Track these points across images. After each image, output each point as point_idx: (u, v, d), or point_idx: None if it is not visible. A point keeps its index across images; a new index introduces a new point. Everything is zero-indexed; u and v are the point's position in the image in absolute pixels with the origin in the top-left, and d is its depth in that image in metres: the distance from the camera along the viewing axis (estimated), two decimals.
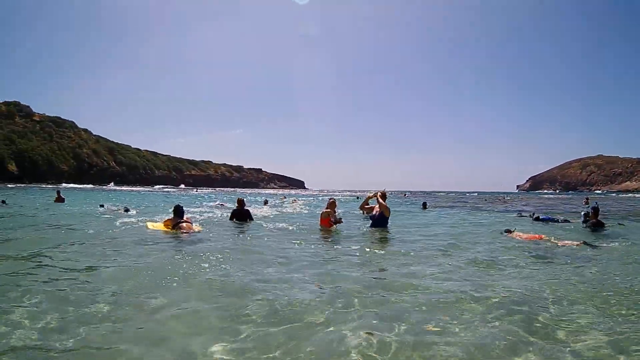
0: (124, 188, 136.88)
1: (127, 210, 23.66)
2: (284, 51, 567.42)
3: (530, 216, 21.14)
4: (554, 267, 8.71)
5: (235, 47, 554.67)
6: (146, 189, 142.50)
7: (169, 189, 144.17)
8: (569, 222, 18.21)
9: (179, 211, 14.44)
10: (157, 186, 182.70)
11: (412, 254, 10.04)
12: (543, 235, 12.68)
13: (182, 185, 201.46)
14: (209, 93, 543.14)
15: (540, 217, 19.79)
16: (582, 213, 16.35)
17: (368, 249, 10.92)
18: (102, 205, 26.80)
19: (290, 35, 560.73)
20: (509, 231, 13.65)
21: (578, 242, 11.46)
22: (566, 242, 11.70)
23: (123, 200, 41.73)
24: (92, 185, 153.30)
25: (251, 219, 18.29)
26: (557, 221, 18.78)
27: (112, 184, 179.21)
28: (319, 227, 14.67)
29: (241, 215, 18.11)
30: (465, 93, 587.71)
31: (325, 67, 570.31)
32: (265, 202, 37.66)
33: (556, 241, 11.91)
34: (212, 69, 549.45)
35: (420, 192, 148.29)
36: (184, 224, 13.88)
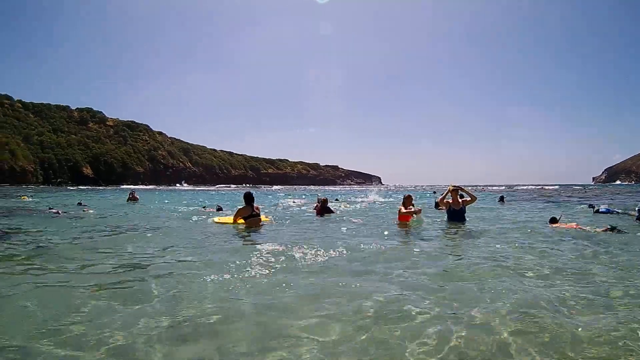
0: (197, 188, 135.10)
1: (219, 209, 21.59)
2: (355, 49, 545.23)
3: (592, 207, 21.77)
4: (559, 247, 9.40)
5: (308, 45, 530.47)
6: (220, 187, 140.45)
7: (242, 187, 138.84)
8: (628, 214, 17.87)
9: (249, 198, 13.85)
10: (233, 185, 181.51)
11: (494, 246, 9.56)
12: (577, 225, 13.12)
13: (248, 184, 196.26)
14: (283, 92, 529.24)
15: (600, 210, 19.93)
16: (637, 208, 15.61)
17: (444, 242, 10.60)
18: (204, 207, 25.31)
19: (365, 32, 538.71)
20: (554, 220, 13.82)
21: (604, 228, 11.85)
22: (597, 229, 12.01)
23: (199, 199, 41.47)
24: (154, 186, 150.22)
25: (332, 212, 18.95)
26: (617, 213, 18.74)
27: (184, 183, 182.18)
28: (396, 222, 14.53)
29: (324, 210, 18.63)
30: (540, 85, 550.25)
31: (395, 62, 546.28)
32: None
33: (586, 228, 12.40)
34: (285, 68, 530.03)
35: (498, 186, 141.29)
36: (255, 219, 13.63)
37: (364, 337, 4.14)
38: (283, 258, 7.87)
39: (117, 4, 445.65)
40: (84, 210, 22.14)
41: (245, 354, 3.85)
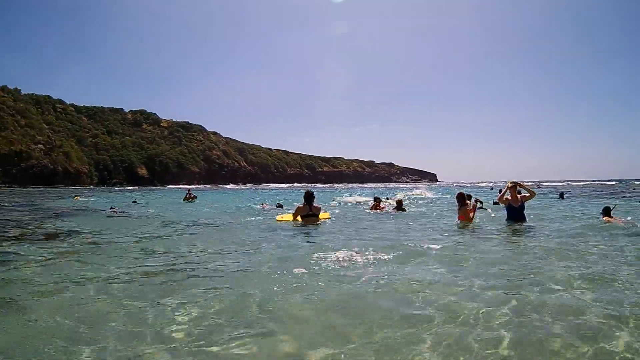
0: (253, 186, 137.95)
1: (280, 206, 22.74)
2: (411, 46, 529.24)
3: None
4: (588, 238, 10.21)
5: (363, 42, 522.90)
6: (277, 186, 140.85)
7: (296, 186, 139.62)
8: None
9: (309, 196, 14.22)
10: (286, 184, 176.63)
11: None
12: (619, 218, 13.60)
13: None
14: (338, 89, 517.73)
15: None
16: None
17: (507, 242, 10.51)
18: (262, 203, 26.80)
19: (420, 28, 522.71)
20: (607, 211, 14.19)
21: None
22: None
23: (256, 198, 41.94)
24: (210, 185, 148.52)
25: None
26: None
27: (239, 182, 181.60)
28: (457, 222, 14.25)
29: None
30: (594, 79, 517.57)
31: (450, 58, 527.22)
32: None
33: (627, 221, 13.15)
34: (338, 65, 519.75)
35: (559, 181, 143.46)
36: (312, 218, 13.94)
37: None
38: (340, 256, 7.83)
39: (167, 6, 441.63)
40: (148, 211, 22.48)
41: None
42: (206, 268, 7.15)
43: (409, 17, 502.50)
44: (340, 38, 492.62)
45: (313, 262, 7.33)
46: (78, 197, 43.23)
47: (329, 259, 7.50)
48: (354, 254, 7.94)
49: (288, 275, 6.43)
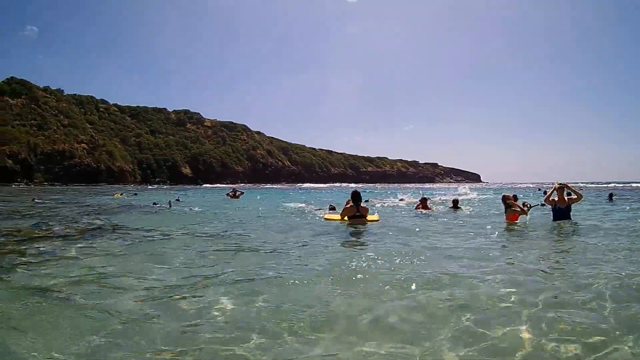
0: (296, 185, 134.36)
1: (333, 208, 20.23)
2: (452, 44, 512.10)
3: None
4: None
5: (404, 43, 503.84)
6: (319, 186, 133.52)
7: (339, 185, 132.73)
8: None
9: (356, 196, 13.84)
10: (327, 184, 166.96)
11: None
12: None
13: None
14: (381, 89, 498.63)
15: None
16: None
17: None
18: (305, 204, 26.58)
19: (464, 25, 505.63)
20: None
21: None
22: None
23: (302, 197, 40.79)
24: (254, 184, 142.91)
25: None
26: None
27: (283, 182, 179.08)
28: (505, 222, 13.68)
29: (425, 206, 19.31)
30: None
31: (490, 56, 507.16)
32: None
33: None
34: (381, 65, 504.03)
35: (606, 183, 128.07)
36: (359, 219, 13.57)
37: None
38: (386, 255, 7.69)
39: (211, 7, 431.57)
40: (191, 208, 22.48)
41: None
42: (258, 267, 6.84)
43: (445, 15, 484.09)
44: (384, 38, 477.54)
45: (365, 264, 6.98)
46: (118, 195, 43.54)
47: (380, 261, 7.19)
48: (404, 255, 7.65)
49: (342, 276, 6.23)
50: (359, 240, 10.40)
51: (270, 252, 8.39)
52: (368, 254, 7.77)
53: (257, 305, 4.80)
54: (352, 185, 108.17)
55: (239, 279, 6.03)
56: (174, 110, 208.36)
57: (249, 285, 5.71)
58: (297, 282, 5.79)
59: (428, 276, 5.98)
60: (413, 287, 5.45)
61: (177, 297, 5.13)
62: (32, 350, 3.65)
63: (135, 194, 47.69)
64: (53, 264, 7.18)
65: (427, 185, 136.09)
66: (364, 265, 6.85)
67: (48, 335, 3.97)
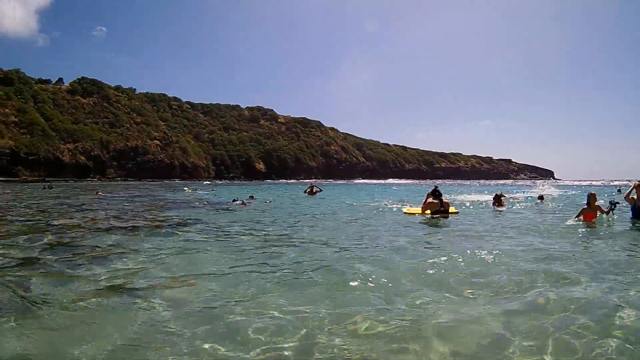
0: (371, 181, 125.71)
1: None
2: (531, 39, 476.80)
3: None
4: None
5: (478, 37, 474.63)
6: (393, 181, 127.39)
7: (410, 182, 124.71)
8: None
9: (438, 192, 13.80)
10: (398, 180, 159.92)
11: None
12: None
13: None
14: (455, 84, 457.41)
15: None
16: None
17: None
18: (390, 201, 25.59)
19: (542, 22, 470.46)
20: None
21: None
22: None
23: (378, 193, 39.34)
24: (329, 180, 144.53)
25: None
26: None
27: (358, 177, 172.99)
28: (580, 222, 12.56)
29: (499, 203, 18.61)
30: None
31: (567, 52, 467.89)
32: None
33: None
34: (453, 59, 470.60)
35: None
36: (442, 212, 13.58)
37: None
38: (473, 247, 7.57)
39: (284, 5, 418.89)
40: (266, 202, 22.35)
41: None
42: (343, 262, 6.54)
43: (523, 10, 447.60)
44: (462, 33, 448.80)
45: (446, 259, 6.69)
46: (188, 190, 42.83)
47: (464, 256, 6.89)
48: (489, 249, 7.40)
49: (423, 268, 6.09)
50: (443, 236, 9.79)
51: (356, 247, 8.00)
52: (448, 253, 7.23)
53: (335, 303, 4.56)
54: (430, 181, 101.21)
55: (325, 274, 5.77)
56: (247, 107, 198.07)
57: (331, 279, 5.53)
58: (385, 279, 5.51)
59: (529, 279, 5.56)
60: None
61: (258, 293, 4.95)
62: (104, 338, 3.65)
63: (213, 190, 45.24)
64: (126, 258, 6.96)
65: (501, 182, 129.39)
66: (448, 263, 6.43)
67: (118, 327, 3.92)
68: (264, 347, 3.53)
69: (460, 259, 6.66)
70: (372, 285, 5.29)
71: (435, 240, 9.26)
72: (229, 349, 3.51)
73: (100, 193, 33.67)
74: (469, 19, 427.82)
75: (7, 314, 4.26)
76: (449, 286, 5.24)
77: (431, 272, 5.96)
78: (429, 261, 6.56)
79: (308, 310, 4.32)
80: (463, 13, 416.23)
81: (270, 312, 4.29)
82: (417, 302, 4.60)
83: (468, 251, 7.32)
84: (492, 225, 11.75)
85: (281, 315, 4.18)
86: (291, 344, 3.58)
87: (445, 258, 6.77)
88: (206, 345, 3.57)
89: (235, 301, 4.68)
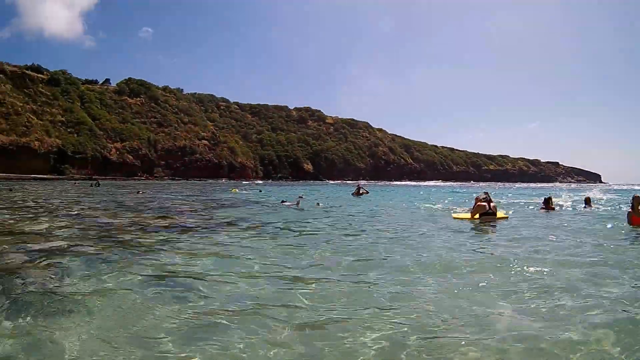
0: (418, 183, 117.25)
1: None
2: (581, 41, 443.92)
3: None
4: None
5: (527, 39, 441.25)
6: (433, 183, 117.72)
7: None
8: None
9: (486, 196, 13.17)
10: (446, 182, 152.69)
11: None
12: None
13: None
14: (504, 87, 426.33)
15: None
16: None
17: None
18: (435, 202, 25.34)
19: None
20: None
21: None
22: None
23: (424, 195, 36.94)
24: (376, 181, 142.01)
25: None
26: None
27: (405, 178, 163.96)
28: (630, 226, 11.59)
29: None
30: None
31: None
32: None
33: None
34: (503, 60, 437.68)
35: None
36: (489, 217, 12.82)
37: None
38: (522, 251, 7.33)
39: (330, 5, 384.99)
40: (317, 205, 20.73)
41: None
42: (394, 264, 6.35)
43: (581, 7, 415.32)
44: (513, 32, 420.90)
45: (501, 263, 6.45)
46: (235, 190, 41.67)
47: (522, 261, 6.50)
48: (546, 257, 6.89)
49: (472, 273, 5.82)
50: (492, 239, 9.55)
51: (411, 247, 7.79)
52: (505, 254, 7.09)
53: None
54: (483, 184, 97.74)
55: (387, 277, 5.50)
56: (295, 108, 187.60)
57: (377, 279, 5.38)
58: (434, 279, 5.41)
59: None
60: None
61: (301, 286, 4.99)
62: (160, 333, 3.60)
63: (260, 191, 42.83)
64: (172, 255, 6.91)
65: (548, 185, 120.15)
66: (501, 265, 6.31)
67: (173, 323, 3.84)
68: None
69: (518, 266, 6.14)
70: (448, 291, 4.88)
71: (490, 245, 8.54)
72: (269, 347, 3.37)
73: (141, 192, 32.71)
74: (520, 16, 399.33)
75: (64, 305, 4.28)
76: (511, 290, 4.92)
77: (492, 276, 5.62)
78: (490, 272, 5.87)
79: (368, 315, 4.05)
80: (515, 11, 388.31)
81: (326, 311, 4.15)
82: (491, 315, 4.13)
83: (524, 257, 6.81)
84: (542, 229, 10.98)
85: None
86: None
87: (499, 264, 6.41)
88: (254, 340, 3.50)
89: (274, 301, 4.49)
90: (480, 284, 5.18)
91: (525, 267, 6.00)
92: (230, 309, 4.17)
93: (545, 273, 5.70)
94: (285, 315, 4.01)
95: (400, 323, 3.84)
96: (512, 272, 5.80)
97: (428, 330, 3.72)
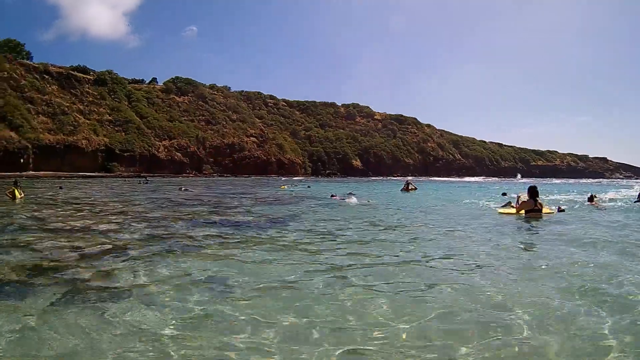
0: (467, 179, 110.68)
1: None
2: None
3: None
4: None
5: (581, 32, 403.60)
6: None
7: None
8: None
9: (533, 192, 12.25)
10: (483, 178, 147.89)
11: None
12: None
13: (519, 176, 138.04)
14: (554, 80, 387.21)
15: None
16: None
17: None
18: (504, 193, 23.86)
19: None
20: None
21: None
22: None
23: (472, 191, 35.19)
24: (425, 177, 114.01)
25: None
26: None
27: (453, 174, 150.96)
28: None
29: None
30: None
31: None
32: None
33: None
34: (554, 55, 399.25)
35: None
36: (536, 213, 11.96)
37: None
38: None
39: (377, 1, 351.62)
40: (368, 202, 19.82)
41: None
42: (449, 262, 6.02)
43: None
44: (562, 22, 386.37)
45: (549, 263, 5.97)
46: (284, 187, 39.66)
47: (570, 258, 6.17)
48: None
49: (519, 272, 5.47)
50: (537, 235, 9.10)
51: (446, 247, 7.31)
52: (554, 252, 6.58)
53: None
54: (528, 180, 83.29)
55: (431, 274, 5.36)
56: (343, 104, 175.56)
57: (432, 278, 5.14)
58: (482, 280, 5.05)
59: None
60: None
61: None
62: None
63: (309, 187, 41.33)
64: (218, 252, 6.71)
65: (596, 181, 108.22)
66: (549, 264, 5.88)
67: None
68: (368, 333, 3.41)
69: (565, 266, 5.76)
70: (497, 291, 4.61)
71: (539, 244, 7.88)
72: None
73: (183, 189, 31.21)
74: (571, 5, 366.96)
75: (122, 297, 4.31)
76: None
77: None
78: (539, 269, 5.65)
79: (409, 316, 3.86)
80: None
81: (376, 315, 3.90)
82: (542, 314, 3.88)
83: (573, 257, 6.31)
84: (591, 226, 10.31)
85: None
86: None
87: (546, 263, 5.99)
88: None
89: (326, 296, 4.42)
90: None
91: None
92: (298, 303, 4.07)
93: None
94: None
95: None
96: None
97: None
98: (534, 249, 7.24)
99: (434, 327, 3.60)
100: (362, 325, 3.63)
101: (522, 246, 7.56)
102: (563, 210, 14.69)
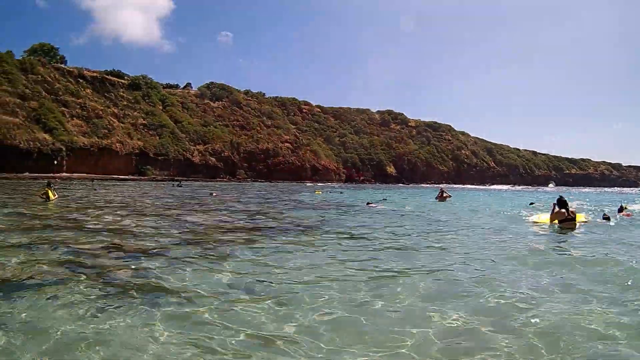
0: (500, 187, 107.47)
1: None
2: None
3: None
4: None
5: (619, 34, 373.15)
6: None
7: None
8: None
9: (562, 202, 12.28)
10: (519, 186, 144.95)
11: None
12: None
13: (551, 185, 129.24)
14: (588, 86, 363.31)
15: None
16: None
17: None
18: (532, 203, 24.51)
19: None
20: None
21: None
22: None
23: (505, 200, 33.88)
24: (460, 185, 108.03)
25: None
26: None
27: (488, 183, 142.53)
28: None
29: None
30: None
31: None
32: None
33: None
34: (594, 58, 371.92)
35: None
36: (569, 223, 11.93)
37: None
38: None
39: (411, 6, 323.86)
40: (404, 208, 19.59)
41: None
42: (471, 269, 6.01)
43: None
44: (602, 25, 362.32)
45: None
46: (319, 192, 39.08)
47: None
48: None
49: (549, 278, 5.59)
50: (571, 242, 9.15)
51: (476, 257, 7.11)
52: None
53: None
54: (555, 189, 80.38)
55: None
56: (378, 111, 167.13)
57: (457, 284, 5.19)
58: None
59: None
60: None
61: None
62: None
63: (341, 192, 40.39)
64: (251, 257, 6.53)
65: (630, 190, 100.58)
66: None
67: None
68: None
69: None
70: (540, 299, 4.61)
71: (580, 251, 7.90)
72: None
73: (214, 194, 30.51)
74: (609, 5, 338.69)
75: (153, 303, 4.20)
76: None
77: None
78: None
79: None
80: (602, 6, 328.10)
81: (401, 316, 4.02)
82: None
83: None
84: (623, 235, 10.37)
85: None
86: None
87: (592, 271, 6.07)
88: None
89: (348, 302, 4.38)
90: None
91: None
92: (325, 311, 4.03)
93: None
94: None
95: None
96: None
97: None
98: None
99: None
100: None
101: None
102: (608, 218, 14.31)
